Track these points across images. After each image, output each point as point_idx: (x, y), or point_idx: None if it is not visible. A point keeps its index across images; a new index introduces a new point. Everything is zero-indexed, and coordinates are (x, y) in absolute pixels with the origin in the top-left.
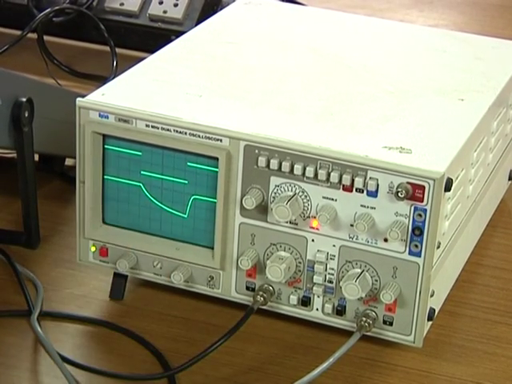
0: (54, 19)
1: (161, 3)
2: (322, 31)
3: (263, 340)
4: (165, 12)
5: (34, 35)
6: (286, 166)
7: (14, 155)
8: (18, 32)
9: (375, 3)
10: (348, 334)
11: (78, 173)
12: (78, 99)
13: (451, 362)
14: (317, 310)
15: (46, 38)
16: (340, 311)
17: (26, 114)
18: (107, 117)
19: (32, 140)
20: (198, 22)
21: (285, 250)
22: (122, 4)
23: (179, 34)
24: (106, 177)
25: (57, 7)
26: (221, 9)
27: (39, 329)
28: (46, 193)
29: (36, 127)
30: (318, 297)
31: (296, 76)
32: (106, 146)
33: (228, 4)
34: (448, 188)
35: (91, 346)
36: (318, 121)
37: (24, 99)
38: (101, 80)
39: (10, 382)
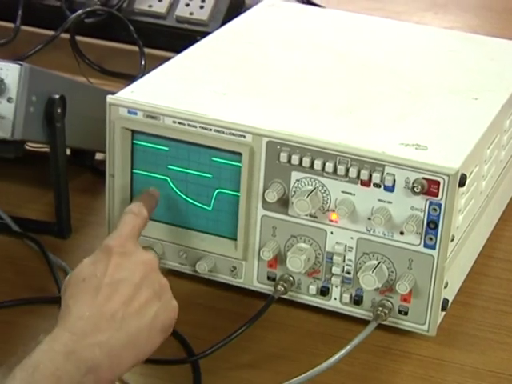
0: (86, 20)
1: (187, 5)
2: (340, 32)
3: (283, 328)
4: (191, 14)
5: (66, 35)
6: (306, 162)
7: (47, 149)
8: (52, 32)
9: (392, 6)
10: (365, 322)
11: (107, 167)
12: (109, 96)
13: (463, 350)
14: (335, 299)
15: (77, 38)
16: (357, 301)
17: (59, 111)
18: (136, 113)
19: (64, 135)
20: (223, 23)
21: (305, 242)
22: (150, 6)
23: (205, 34)
24: (134, 171)
25: (88, 9)
26: (244, 11)
27: None
28: (77, 185)
29: (68, 123)
30: (336, 287)
31: (316, 75)
32: (134, 142)
33: (251, 6)
34: (462, 183)
35: None
36: (338, 118)
37: (57, 96)
38: (130, 78)
39: None
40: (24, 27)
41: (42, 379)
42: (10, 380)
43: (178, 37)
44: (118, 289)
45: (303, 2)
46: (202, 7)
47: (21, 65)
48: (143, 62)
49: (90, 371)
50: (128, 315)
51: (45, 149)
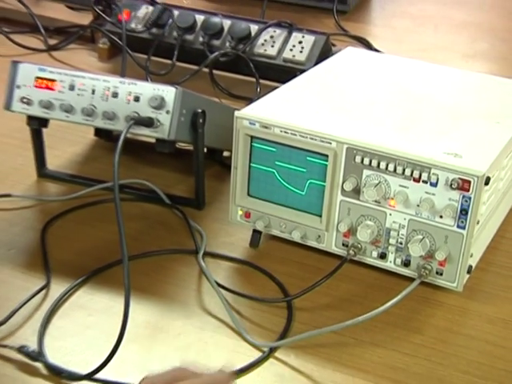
0: (220, 59)
1: (291, 50)
2: (398, 71)
3: (352, 280)
4: (293, 56)
5: (206, 69)
6: (374, 163)
7: (191, 148)
8: (196, 67)
9: (435, 55)
10: (411, 279)
11: (232, 161)
12: (236, 112)
13: (481, 302)
14: (390, 262)
15: (214, 71)
16: (406, 264)
17: (201, 121)
18: (254, 124)
19: (203, 138)
20: (316, 63)
21: (370, 220)
22: (265, 50)
23: (302, 71)
24: (251, 164)
25: (222, 51)
26: (331, 55)
27: (203, 263)
28: (210, 174)
29: (206, 129)
30: (392, 253)
31: (382, 101)
32: (252, 144)
33: (336, 52)
34: (487, 183)
35: (236, 277)
36: (397, 132)
37: (200, 110)
38: (249, 100)
39: (181, 298)
40: (178, 63)
41: None
42: None
43: (284, 72)
44: None
45: (372, 50)
46: (301, 51)
47: (176, 88)
48: (259, 89)
49: None
50: None
51: (189, 147)
